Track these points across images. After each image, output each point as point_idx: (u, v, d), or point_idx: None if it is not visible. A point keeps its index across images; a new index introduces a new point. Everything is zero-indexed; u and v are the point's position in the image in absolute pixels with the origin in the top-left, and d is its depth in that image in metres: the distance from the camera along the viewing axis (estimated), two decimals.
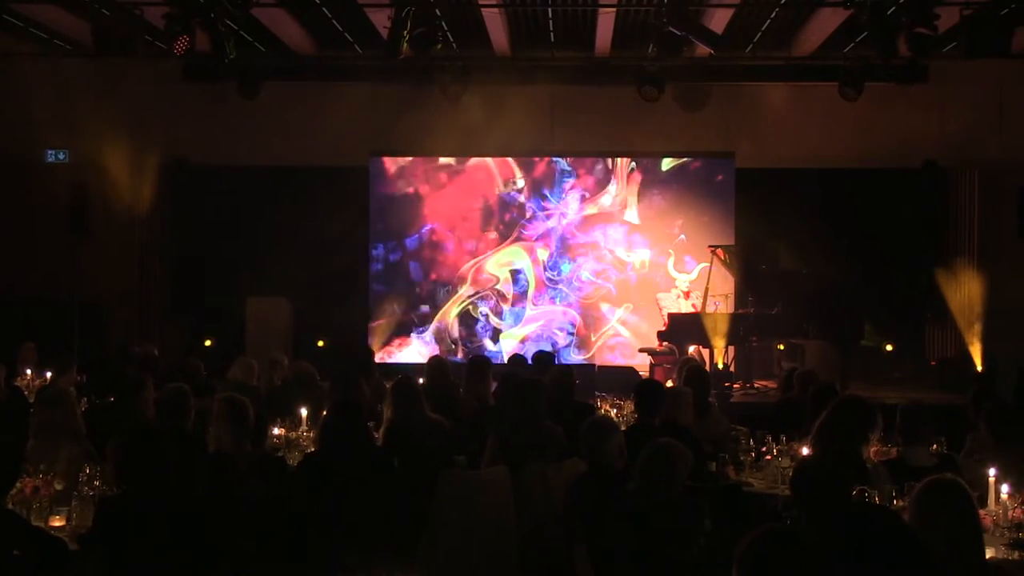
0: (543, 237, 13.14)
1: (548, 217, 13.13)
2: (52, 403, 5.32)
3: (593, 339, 13.07)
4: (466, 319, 13.15)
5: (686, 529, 4.19)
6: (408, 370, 8.12)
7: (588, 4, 10.98)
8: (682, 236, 12.99)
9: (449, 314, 13.15)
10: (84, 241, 11.10)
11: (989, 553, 3.99)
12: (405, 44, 9.67)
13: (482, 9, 10.88)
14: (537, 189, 13.16)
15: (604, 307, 13.09)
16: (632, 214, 13.10)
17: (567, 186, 13.14)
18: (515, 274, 13.14)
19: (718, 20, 10.81)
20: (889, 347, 12.43)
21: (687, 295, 12.81)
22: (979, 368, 11.61)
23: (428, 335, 13.13)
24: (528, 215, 13.15)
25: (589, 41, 12.16)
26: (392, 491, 4.96)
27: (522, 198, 13.17)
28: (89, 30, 9.56)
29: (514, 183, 13.17)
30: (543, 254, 13.13)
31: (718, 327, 10.98)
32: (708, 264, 11.97)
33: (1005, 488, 4.64)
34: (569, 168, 13.13)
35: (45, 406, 5.33)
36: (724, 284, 12.08)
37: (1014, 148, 12.03)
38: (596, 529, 4.36)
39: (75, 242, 10.93)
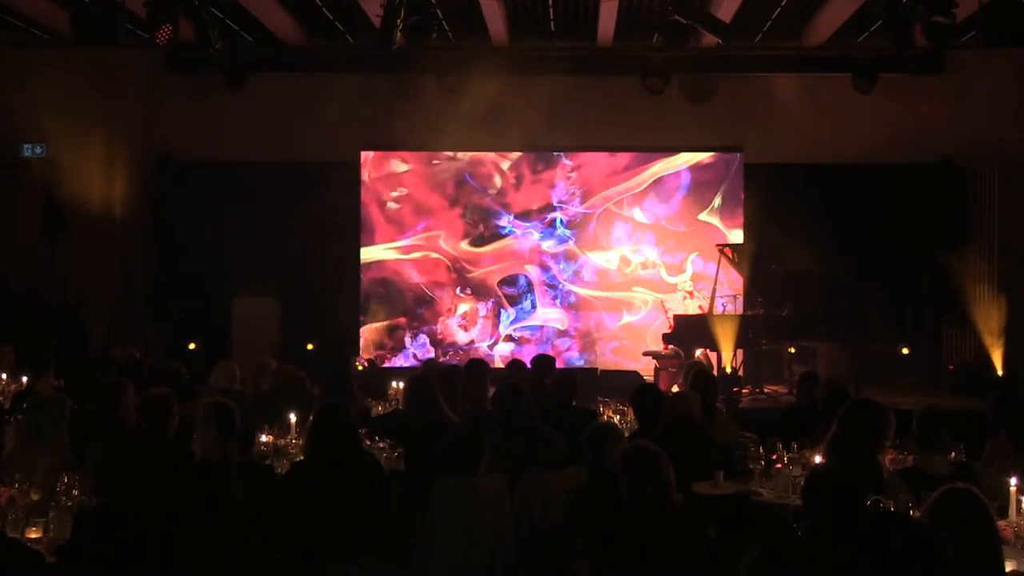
0: (543, 236, 12.82)
1: (548, 215, 12.81)
2: (44, 408, 5.11)
3: (595, 342, 12.77)
4: (463, 321, 12.80)
5: (690, 539, 4.12)
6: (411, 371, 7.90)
7: None
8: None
9: (445, 316, 12.80)
10: (62, 240, 11.02)
11: (1010, 566, 3.92)
12: (398, 34, 9.60)
13: None
14: (537, 185, 12.85)
15: (607, 308, 12.76)
16: (636, 212, 12.76)
17: (568, 182, 12.79)
18: (514, 274, 12.82)
19: (726, 8, 10.70)
20: (904, 350, 12.20)
21: (692, 294, 12.50)
22: (999, 372, 11.43)
23: (423, 338, 12.77)
24: (528, 213, 12.82)
25: (591, 31, 12.08)
26: (384, 497, 4.91)
27: (521, 195, 12.81)
28: (67, 18, 9.39)
29: (513, 179, 12.83)
30: (543, 254, 12.80)
31: (726, 329, 10.79)
32: (716, 263, 11.66)
33: None
34: (570, 163, 12.77)
35: (36, 410, 5.10)
36: (732, 284, 11.89)
37: None
38: (598, 540, 4.27)
39: (53, 241, 10.76)
